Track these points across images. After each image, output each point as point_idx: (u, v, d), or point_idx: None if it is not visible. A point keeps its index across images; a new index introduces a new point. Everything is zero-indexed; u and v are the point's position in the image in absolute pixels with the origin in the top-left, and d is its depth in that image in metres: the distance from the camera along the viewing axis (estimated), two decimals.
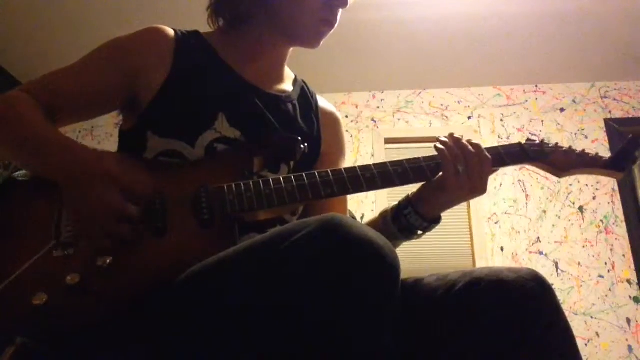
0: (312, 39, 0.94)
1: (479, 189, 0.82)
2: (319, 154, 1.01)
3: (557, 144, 0.91)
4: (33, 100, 0.81)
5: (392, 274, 0.54)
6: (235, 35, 0.97)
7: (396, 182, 0.81)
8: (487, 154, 0.83)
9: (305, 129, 0.98)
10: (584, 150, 0.92)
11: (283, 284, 0.54)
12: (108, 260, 0.66)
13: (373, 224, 0.91)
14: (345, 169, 0.80)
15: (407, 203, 0.87)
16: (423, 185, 0.86)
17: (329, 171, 0.79)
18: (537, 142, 0.92)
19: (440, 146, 0.83)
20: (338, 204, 1.01)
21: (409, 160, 0.83)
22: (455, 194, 0.82)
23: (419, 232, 0.87)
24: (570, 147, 0.91)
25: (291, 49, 1.02)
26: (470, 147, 0.82)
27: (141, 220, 0.70)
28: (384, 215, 0.90)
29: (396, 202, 0.90)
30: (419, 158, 0.84)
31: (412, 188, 0.88)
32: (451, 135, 0.85)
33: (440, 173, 0.82)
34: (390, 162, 0.82)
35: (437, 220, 0.87)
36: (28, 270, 0.65)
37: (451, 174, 0.80)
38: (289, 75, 1.05)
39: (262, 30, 0.95)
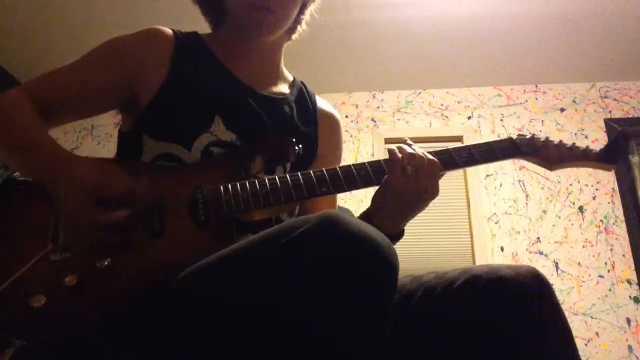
0: (250, 27, 0.91)
1: (429, 190, 0.80)
2: (315, 155, 1.00)
3: (547, 138, 0.92)
4: (28, 100, 0.82)
5: (390, 270, 0.54)
6: (224, 35, 0.98)
7: None
8: (434, 157, 0.82)
9: (301, 131, 0.97)
10: (574, 143, 0.93)
11: (282, 281, 0.54)
12: (106, 262, 0.66)
13: None
14: (340, 167, 0.80)
15: (364, 216, 0.85)
16: (374, 194, 0.84)
17: (324, 170, 0.79)
18: (528, 136, 0.93)
19: (393, 147, 0.83)
20: (328, 204, 1.01)
21: None
22: (404, 196, 0.79)
23: None
24: (560, 141, 0.92)
25: (283, 47, 1.02)
26: (420, 151, 0.82)
27: (126, 222, 0.69)
28: None
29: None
30: None
31: None
32: (404, 141, 0.85)
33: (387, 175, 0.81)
34: (385, 160, 0.82)
35: (397, 235, 0.85)
36: (26, 273, 0.65)
37: (397, 173, 0.79)
38: (286, 77, 1.05)
39: (234, 27, 0.96)
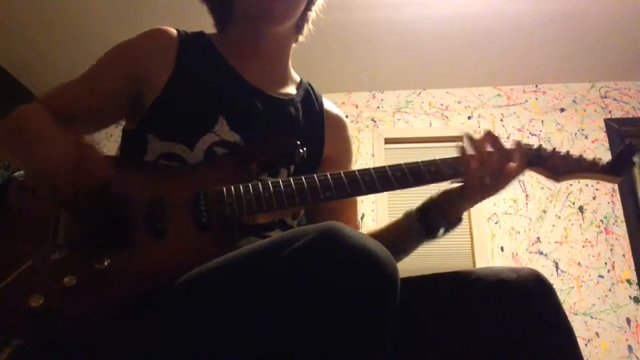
0: (259, 16, 0.91)
1: (503, 188, 0.83)
2: (322, 157, 1.00)
3: (554, 149, 0.91)
4: (45, 109, 0.83)
5: (391, 285, 0.53)
6: (231, 34, 0.98)
7: (395, 185, 0.80)
8: (517, 155, 0.82)
9: (307, 133, 0.97)
10: (581, 155, 0.91)
11: (281, 293, 0.53)
12: (106, 263, 0.65)
13: (396, 225, 0.91)
14: (344, 172, 0.79)
15: (431, 204, 0.88)
16: (448, 191, 0.87)
17: (328, 174, 0.78)
18: (535, 147, 0.92)
19: (467, 152, 0.82)
20: (348, 205, 1.00)
21: (408, 165, 0.82)
22: (479, 199, 0.84)
23: (440, 232, 0.88)
24: (567, 152, 0.91)
25: (291, 48, 1.01)
26: (497, 156, 0.81)
27: (126, 221, 0.69)
28: (408, 215, 0.90)
29: (420, 203, 0.91)
30: (417, 162, 0.83)
31: (415, 192, 0.87)
32: (476, 143, 0.83)
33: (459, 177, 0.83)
34: (390, 166, 0.82)
35: (459, 220, 0.89)
36: (25, 272, 0.65)
37: (475, 186, 0.81)
38: (293, 77, 1.05)
39: (243, 24, 0.95)
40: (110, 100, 0.89)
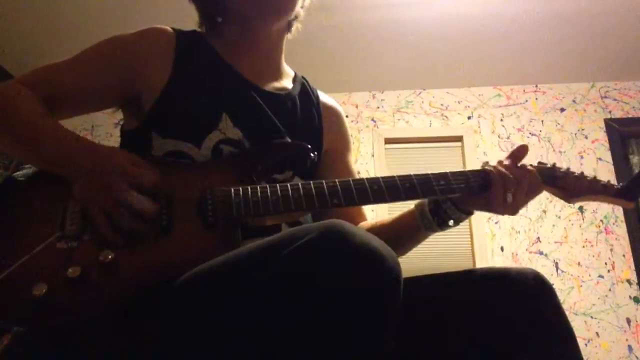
0: (255, 14, 0.92)
1: (522, 207, 0.83)
2: (322, 150, 1.00)
3: (568, 168, 0.90)
4: (31, 92, 0.81)
5: (394, 283, 0.53)
6: (225, 32, 0.98)
7: (403, 196, 0.79)
8: (539, 180, 0.83)
9: (305, 126, 0.97)
10: (595, 177, 0.90)
11: (283, 291, 0.53)
12: (110, 256, 0.66)
13: (408, 216, 0.90)
14: (353, 180, 0.79)
15: (446, 198, 0.86)
16: (471, 197, 0.84)
17: (337, 181, 0.78)
18: (549, 166, 0.90)
19: (499, 172, 0.82)
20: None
21: (417, 175, 0.81)
22: (497, 212, 0.83)
23: (450, 223, 0.87)
24: (582, 173, 0.90)
25: (284, 42, 1.01)
26: (525, 177, 0.81)
27: (153, 215, 0.70)
28: (420, 208, 0.89)
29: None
30: (427, 174, 0.82)
31: None
32: (509, 162, 0.83)
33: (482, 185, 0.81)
34: (399, 176, 0.81)
35: (471, 212, 0.87)
36: (30, 260, 0.65)
37: (499, 201, 0.80)
38: (288, 72, 1.05)
39: (238, 22, 0.96)
40: (100, 91, 0.88)
